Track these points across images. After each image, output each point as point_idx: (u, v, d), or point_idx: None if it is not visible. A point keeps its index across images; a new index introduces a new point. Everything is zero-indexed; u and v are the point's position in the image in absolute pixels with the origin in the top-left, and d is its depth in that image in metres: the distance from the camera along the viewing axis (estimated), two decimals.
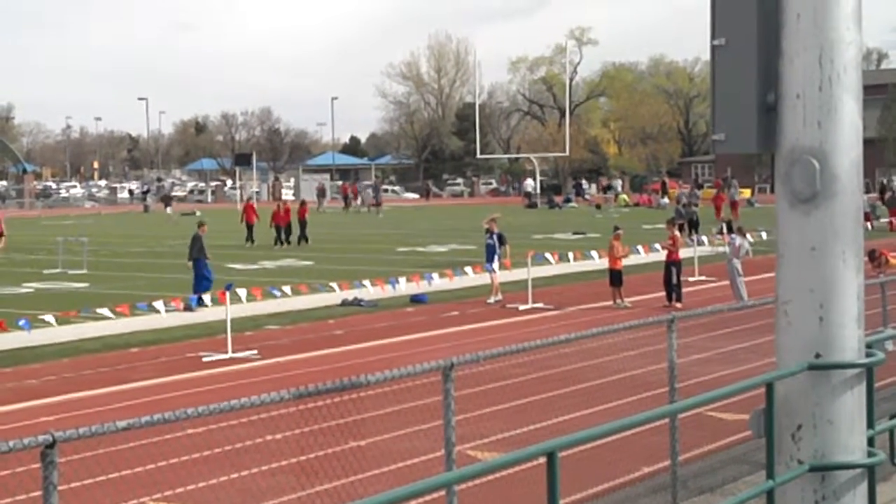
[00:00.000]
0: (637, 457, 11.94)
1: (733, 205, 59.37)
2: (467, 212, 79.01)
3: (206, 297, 25.62)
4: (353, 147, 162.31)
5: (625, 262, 27.96)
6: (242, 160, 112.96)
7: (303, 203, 52.08)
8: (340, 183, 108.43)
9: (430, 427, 11.09)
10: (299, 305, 27.06)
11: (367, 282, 26.60)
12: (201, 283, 27.86)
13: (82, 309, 23.39)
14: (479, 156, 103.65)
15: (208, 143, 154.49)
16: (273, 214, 49.29)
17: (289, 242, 48.33)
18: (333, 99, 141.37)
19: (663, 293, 27.33)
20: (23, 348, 21.60)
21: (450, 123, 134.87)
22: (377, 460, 11.90)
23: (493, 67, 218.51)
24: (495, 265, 28.73)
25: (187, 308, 25.73)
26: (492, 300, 27.92)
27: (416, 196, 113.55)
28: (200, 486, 11.30)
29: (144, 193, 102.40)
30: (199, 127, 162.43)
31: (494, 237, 29.35)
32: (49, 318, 21.37)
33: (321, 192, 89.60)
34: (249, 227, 49.56)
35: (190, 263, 28.65)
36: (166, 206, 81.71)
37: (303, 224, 49.42)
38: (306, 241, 48.79)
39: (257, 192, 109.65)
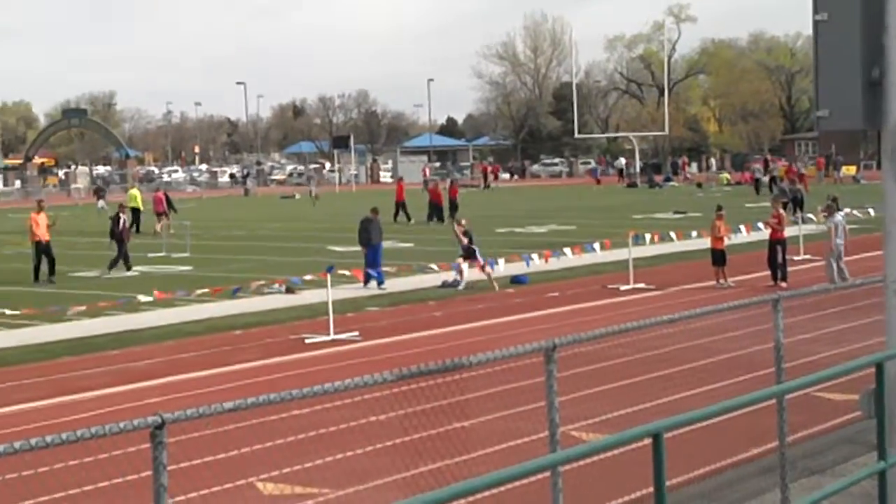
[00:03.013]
0: (744, 438, 11.77)
1: (800, 178, 58.60)
2: (565, 192, 78.65)
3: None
4: (449, 128, 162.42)
5: (727, 241, 27.56)
6: (340, 143, 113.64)
7: (452, 183, 54.99)
8: (480, 163, 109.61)
9: (533, 408, 11.03)
10: (399, 287, 27.16)
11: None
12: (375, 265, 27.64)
13: (186, 291, 23.68)
14: (576, 135, 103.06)
15: (306, 127, 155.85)
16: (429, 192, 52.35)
17: (441, 220, 50.05)
18: (430, 81, 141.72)
19: (768, 273, 26.89)
20: (129, 331, 21.99)
21: (547, 103, 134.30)
22: (480, 441, 11.89)
23: (589, 46, 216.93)
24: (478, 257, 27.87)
25: (289, 290, 25.98)
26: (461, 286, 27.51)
27: (511, 177, 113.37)
28: (306, 467, 11.37)
29: (245, 177, 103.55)
30: (297, 110, 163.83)
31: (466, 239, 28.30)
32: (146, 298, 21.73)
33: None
34: (399, 206, 51.20)
35: (363, 249, 28.44)
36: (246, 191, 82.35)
37: (453, 204, 51.12)
38: (441, 220, 50.06)
39: (356, 175, 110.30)
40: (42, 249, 30.73)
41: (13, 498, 10.01)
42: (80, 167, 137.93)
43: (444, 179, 67.96)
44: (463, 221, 29.55)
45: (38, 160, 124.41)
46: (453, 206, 51.04)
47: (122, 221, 34.09)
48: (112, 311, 23.24)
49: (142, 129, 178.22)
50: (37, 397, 16.19)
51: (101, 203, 61.93)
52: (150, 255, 37.59)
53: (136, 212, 48.95)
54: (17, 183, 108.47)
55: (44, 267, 30.69)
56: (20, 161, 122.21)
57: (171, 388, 16.44)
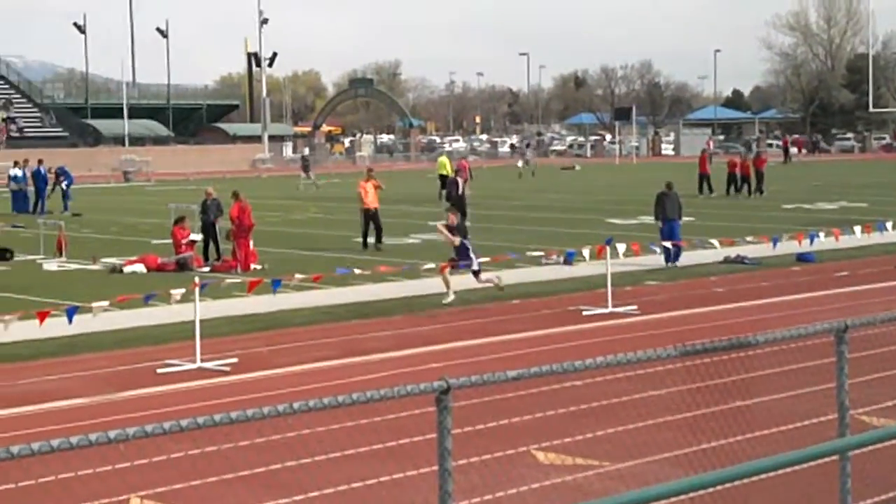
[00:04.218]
0: None
1: None
2: (858, 168, 75.71)
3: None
4: (735, 100, 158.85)
5: None
6: (622, 114, 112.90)
7: (758, 155, 54.76)
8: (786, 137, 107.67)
9: (819, 390, 10.69)
10: (679, 261, 26.74)
11: (750, 238, 25.96)
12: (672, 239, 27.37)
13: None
14: (871, 109, 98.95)
15: (587, 98, 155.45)
16: (732, 164, 51.52)
17: (750, 192, 50.13)
18: (716, 52, 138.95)
19: None
20: (413, 297, 22.48)
21: (840, 75, 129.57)
22: (764, 421, 11.59)
23: (888, 15, 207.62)
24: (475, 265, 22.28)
25: (566, 262, 25.99)
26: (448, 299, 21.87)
27: (799, 151, 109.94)
28: (585, 438, 11.35)
29: (525, 147, 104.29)
30: (579, 81, 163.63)
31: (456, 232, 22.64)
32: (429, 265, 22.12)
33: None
34: (703, 178, 51.19)
35: (659, 223, 27.98)
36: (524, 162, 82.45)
37: (759, 175, 50.68)
38: (760, 193, 50.00)
39: (636, 147, 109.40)
40: (370, 217, 30.99)
41: (301, 453, 10.41)
42: (365, 135, 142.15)
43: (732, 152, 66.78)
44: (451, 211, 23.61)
45: (325, 128, 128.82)
46: (759, 177, 50.48)
47: (459, 186, 35.07)
48: (395, 276, 23.81)
49: (425, 98, 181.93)
50: (323, 357, 16.77)
51: (306, 175, 63.35)
52: (431, 223, 38.30)
53: (444, 178, 50.27)
54: (306, 150, 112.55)
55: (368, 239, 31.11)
56: (309, 129, 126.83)
57: (450, 355, 16.73)
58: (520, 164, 73.04)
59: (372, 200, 31.08)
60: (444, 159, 53.12)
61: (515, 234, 34.37)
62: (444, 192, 47.04)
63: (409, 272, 23.73)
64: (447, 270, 21.74)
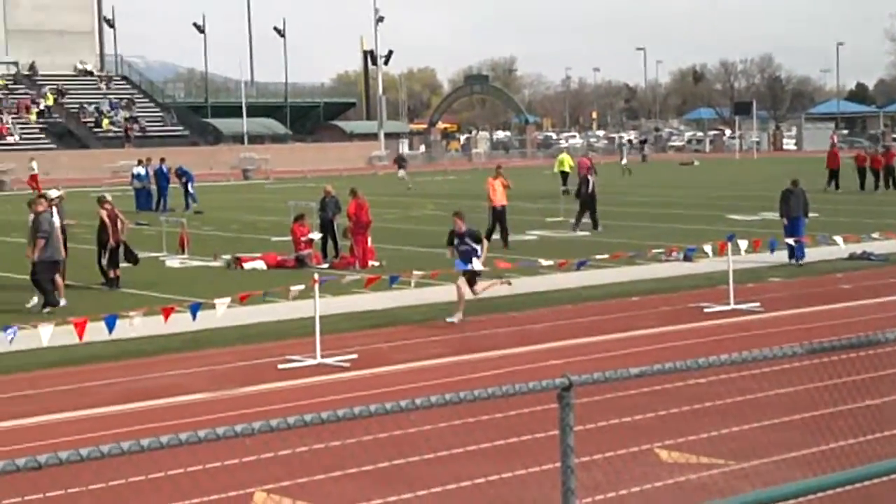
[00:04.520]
0: None
1: None
2: None
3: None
4: (859, 94, 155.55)
5: None
6: (742, 109, 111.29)
7: (887, 149, 53.84)
8: None
9: None
10: (804, 258, 26.21)
11: (876, 234, 25.37)
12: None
13: (582, 260, 23.87)
14: None
15: (706, 92, 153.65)
16: (861, 158, 51.37)
17: (887, 186, 50.05)
18: (839, 45, 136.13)
19: None
20: (530, 294, 22.38)
21: None
22: (894, 421, 11.29)
23: None
24: (475, 264, 19.92)
25: (686, 258, 25.67)
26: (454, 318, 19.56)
27: None
28: (712, 436, 11.14)
29: (642, 143, 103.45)
30: (697, 76, 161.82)
31: (468, 239, 20.20)
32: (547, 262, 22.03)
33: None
34: (832, 172, 51.01)
35: (784, 220, 27.49)
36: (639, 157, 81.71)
37: (889, 170, 50.48)
38: (887, 187, 50.00)
39: (757, 142, 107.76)
40: (497, 215, 30.79)
41: (423, 448, 10.41)
42: (480, 132, 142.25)
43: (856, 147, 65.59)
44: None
45: (441, 125, 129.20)
46: (888, 172, 49.73)
47: (591, 184, 34.95)
48: (512, 273, 23.71)
49: (540, 94, 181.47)
50: (441, 354, 16.78)
51: (401, 172, 63.29)
52: (549, 219, 38.19)
53: (564, 175, 50.21)
54: (422, 147, 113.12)
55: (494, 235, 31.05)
56: (424, 126, 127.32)
57: (568, 352, 16.61)
58: (624, 161, 72.29)
59: (500, 198, 30.94)
60: (564, 156, 52.99)
61: (633, 231, 34.07)
62: (565, 188, 46.97)
63: (525, 269, 23.66)
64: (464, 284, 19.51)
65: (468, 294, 19.55)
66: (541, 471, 9.11)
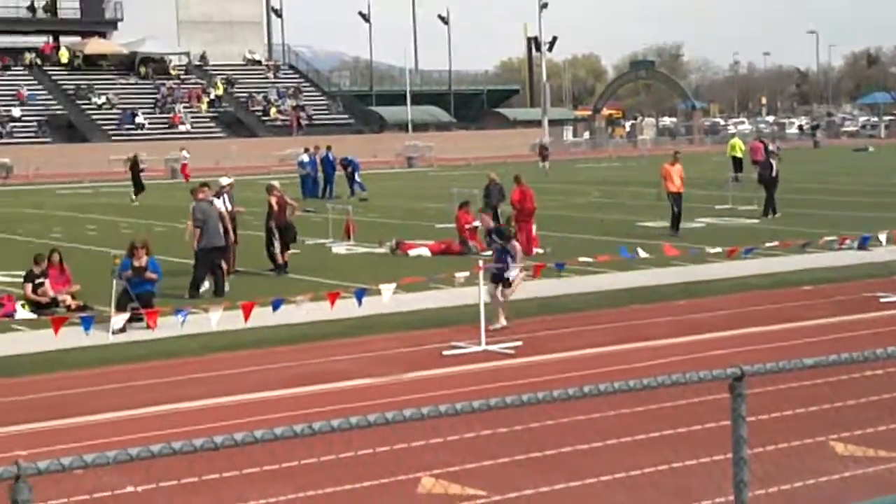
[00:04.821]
0: None
1: None
2: None
3: None
4: None
5: None
6: None
7: None
8: None
9: None
10: None
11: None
12: None
13: (750, 247, 23.41)
14: None
15: (881, 76, 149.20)
16: None
17: None
18: None
19: None
20: (696, 282, 22.04)
21: None
22: None
23: None
24: (512, 273, 18.03)
25: (861, 247, 24.95)
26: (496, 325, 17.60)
27: None
28: (891, 429, 10.76)
29: (814, 129, 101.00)
30: (872, 59, 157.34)
31: (495, 237, 18.74)
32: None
33: None
34: None
35: None
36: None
37: None
38: None
39: None
40: (673, 200, 30.14)
41: (591, 437, 10.32)
42: (646, 119, 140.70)
43: None
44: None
45: (605, 112, 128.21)
46: None
47: (773, 168, 34.52)
48: (680, 261, 23.40)
49: (708, 80, 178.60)
50: (607, 342, 16.63)
51: (543, 163, 62.47)
52: (718, 206, 37.58)
53: (736, 160, 49.43)
54: (586, 134, 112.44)
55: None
56: (589, 113, 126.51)
57: (736, 341, 16.28)
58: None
59: (677, 185, 30.38)
60: (735, 140, 52.20)
61: (804, 219, 33.27)
62: (735, 175, 46.05)
63: (694, 256, 23.33)
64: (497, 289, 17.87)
65: (500, 297, 17.82)
66: (711, 461, 8.94)
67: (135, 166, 50.25)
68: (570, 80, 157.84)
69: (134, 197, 48.24)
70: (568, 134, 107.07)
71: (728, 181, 42.43)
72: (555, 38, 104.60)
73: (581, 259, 21.56)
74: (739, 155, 49.88)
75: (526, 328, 17.64)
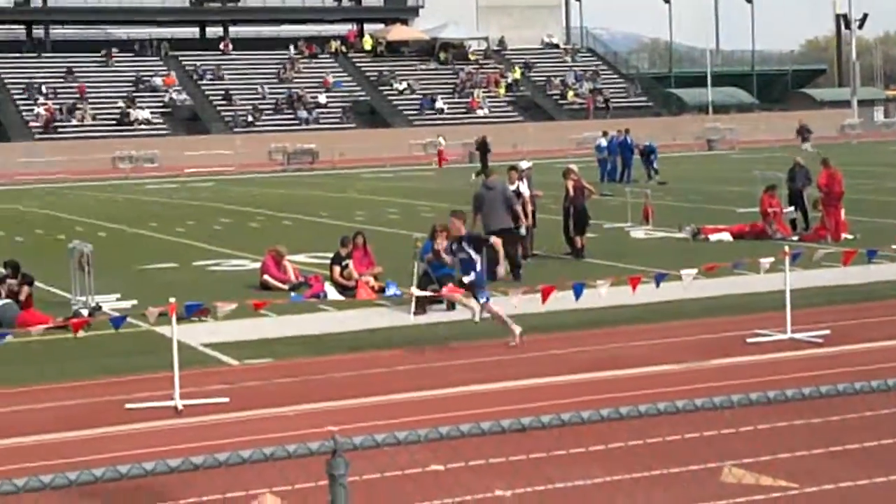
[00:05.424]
0: None
1: None
2: None
3: None
4: None
5: None
6: None
7: None
8: None
9: None
10: None
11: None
12: None
13: None
14: None
15: None
16: None
17: None
18: None
19: None
20: None
21: None
22: None
23: None
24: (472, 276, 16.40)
25: None
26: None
27: None
28: None
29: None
30: None
31: (465, 245, 16.56)
32: None
33: None
34: None
35: None
36: None
37: None
38: None
39: None
40: None
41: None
42: None
43: None
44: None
45: None
46: None
47: None
48: None
49: None
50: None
51: (806, 145, 58.99)
52: None
53: None
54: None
55: None
56: None
57: None
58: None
59: None
60: None
61: None
62: None
63: None
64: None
65: (500, 310, 16.10)
66: None
67: (482, 147, 52.09)
68: (881, 58, 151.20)
69: (474, 178, 49.01)
70: (879, 115, 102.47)
71: None
72: (865, 15, 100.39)
73: (894, 246, 20.56)
74: None
75: (834, 317, 16.98)
